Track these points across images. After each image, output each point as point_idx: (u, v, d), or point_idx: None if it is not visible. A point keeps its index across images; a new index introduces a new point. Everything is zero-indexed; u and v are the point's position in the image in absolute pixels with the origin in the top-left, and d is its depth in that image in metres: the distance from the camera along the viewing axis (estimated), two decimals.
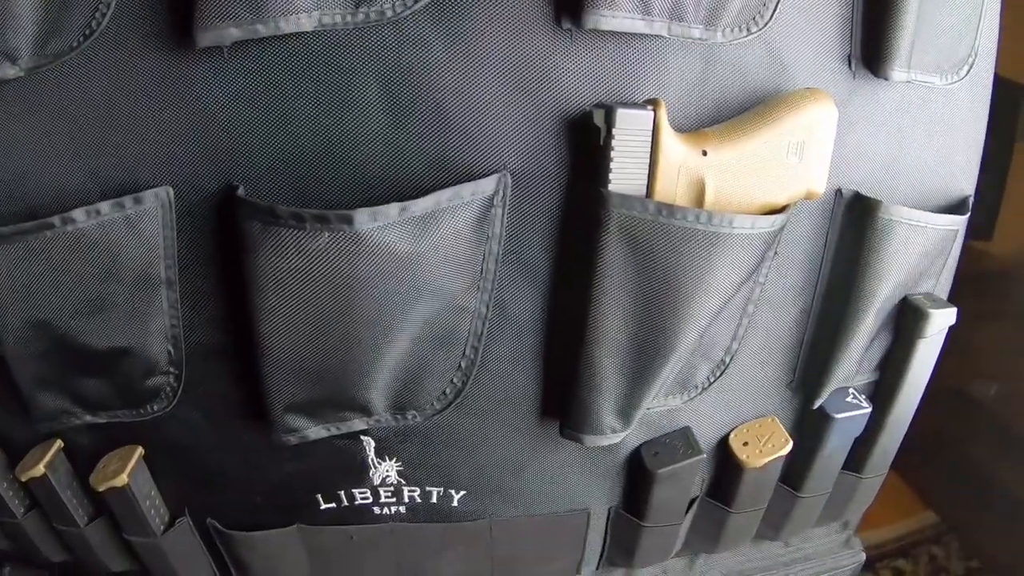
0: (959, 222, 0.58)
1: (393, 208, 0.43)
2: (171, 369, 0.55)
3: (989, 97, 0.58)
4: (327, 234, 0.43)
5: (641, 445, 0.61)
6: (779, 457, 0.62)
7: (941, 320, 0.60)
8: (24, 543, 0.68)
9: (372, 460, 0.59)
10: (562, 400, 0.54)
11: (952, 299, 0.64)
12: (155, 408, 0.57)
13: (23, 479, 0.61)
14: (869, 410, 0.64)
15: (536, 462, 0.60)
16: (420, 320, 0.50)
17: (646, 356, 0.51)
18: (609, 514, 0.64)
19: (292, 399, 0.52)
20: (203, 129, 0.45)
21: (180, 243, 0.49)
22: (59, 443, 0.62)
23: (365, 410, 0.54)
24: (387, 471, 0.59)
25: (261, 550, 0.62)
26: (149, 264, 0.49)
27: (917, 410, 0.66)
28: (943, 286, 0.66)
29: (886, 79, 0.50)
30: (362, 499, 0.60)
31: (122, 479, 0.58)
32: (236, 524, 0.61)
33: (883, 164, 0.54)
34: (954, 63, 0.53)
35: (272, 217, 0.44)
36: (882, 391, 0.65)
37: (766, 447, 0.65)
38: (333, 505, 0.60)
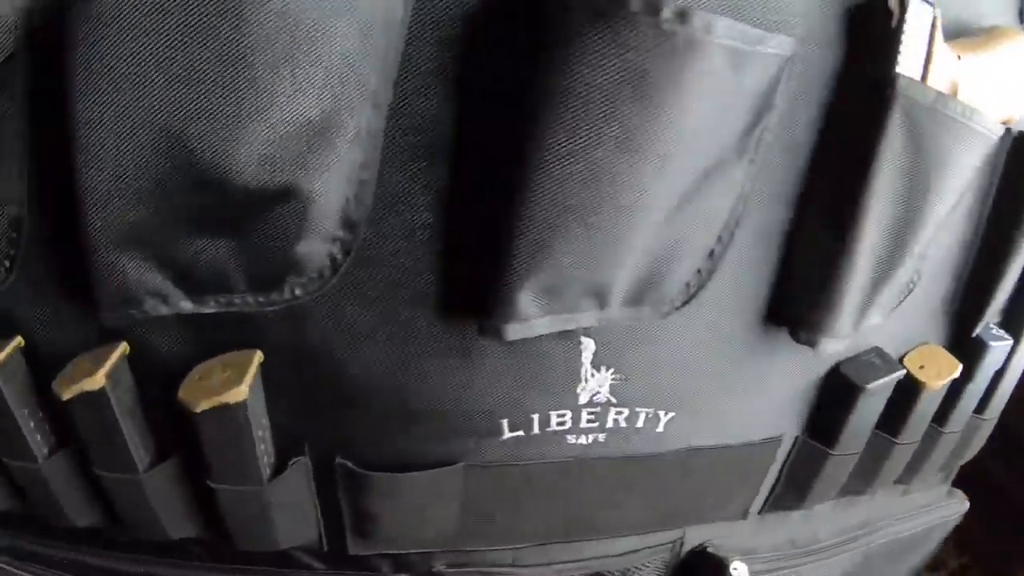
0: None
1: (724, 23, 0.30)
2: (341, 232, 0.34)
3: None
4: (677, 28, 0.29)
5: (840, 362, 0.49)
6: (952, 379, 0.53)
7: None
8: (38, 497, 0.43)
9: (586, 370, 0.40)
10: (803, 298, 0.41)
11: None
12: (295, 293, 0.34)
13: (67, 395, 0.37)
14: (1011, 343, 0.56)
15: (749, 378, 0.44)
16: (700, 178, 0.34)
17: (895, 252, 0.40)
18: (794, 444, 0.53)
19: (540, 270, 0.33)
20: None
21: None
22: (124, 347, 0.40)
23: (602, 297, 0.35)
24: (599, 386, 0.40)
25: (406, 498, 0.41)
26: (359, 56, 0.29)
27: None
28: None
29: None
30: (558, 424, 0.40)
31: (240, 392, 0.37)
32: (374, 463, 0.40)
33: None
34: None
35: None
36: (1011, 329, 0.57)
37: (941, 370, 0.58)
38: (520, 433, 0.40)
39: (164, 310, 0.34)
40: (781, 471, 0.51)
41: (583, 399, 0.41)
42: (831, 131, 0.38)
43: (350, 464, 0.40)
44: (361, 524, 0.42)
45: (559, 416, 0.41)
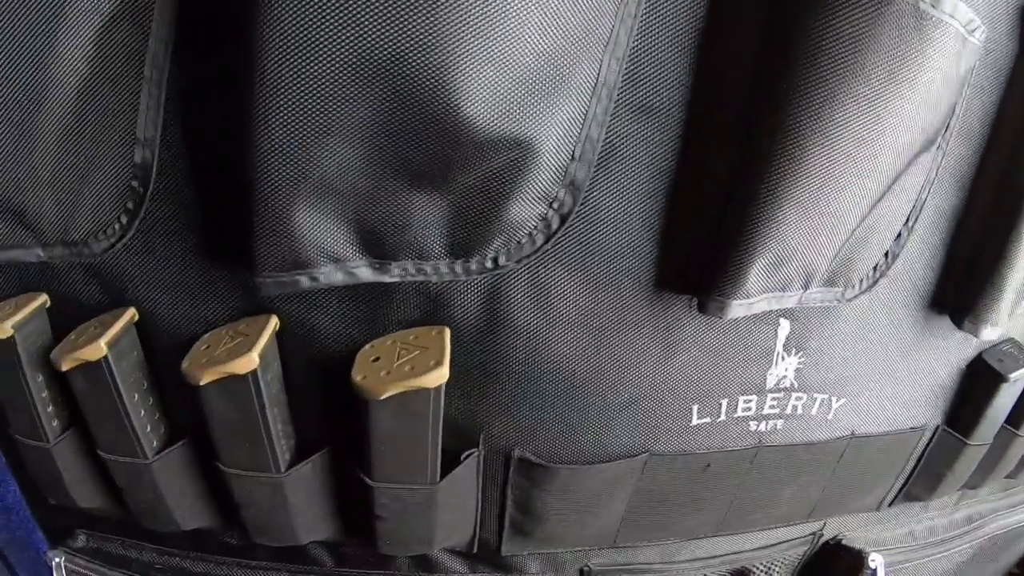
0: None
1: (963, 8, 0.29)
2: (560, 193, 0.30)
3: None
4: (932, 10, 0.28)
5: (983, 352, 0.51)
6: None
7: None
8: (144, 497, 0.37)
9: (779, 353, 0.38)
10: (970, 285, 0.41)
11: None
12: (498, 261, 0.31)
13: (206, 380, 0.31)
14: None
15: (910, 365, 0.43)
16: (912, 160, 0.33)
17: None
18: (934, 434, 0.52)
19: (773, 245, 0.30)
20: None
21: None
22: (275, 321, 0.34)
23: (809, 276, 0.33)
24: (786, 370, 0.38)
25: (582, 492, 0.37)
26: None
27: None
28: None
29: None
30: (744, 410, 0.38)
31: (440, 375, 0.32)
32: (553, 456, 0.36)
33: None
34: None
35: None
36: None
37: None
38: (707, 420, 0.38)
39: (339, 278, 0.29)
40: (918, 462, 0.50)
41: (770, 383, 0.38)
42: (1001, 121, 0.37)
43: (531, 457, 0.36)
44: (525, 522, 0.39)
45: (746, 401, 0.38)
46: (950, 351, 0.45)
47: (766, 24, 0.29)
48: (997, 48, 0.35)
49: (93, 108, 0.28)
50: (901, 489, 0.51)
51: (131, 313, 0.34)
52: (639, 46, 0.29)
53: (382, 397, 0.30)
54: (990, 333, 0.42)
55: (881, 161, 0.30)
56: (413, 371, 0.30)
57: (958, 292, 0.41)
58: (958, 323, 0.42)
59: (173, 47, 0.28)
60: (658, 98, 0.30)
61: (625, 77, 0.29)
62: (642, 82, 0.29)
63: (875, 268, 0.37)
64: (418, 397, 0.30)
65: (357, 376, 0.31)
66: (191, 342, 0.33)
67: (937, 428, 0.49)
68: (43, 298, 0.35)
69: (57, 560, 0.41)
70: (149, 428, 0.36)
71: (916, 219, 0.37)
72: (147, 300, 0.33)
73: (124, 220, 0.31)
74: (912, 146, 0.31)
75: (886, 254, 0.37)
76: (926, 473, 0.51)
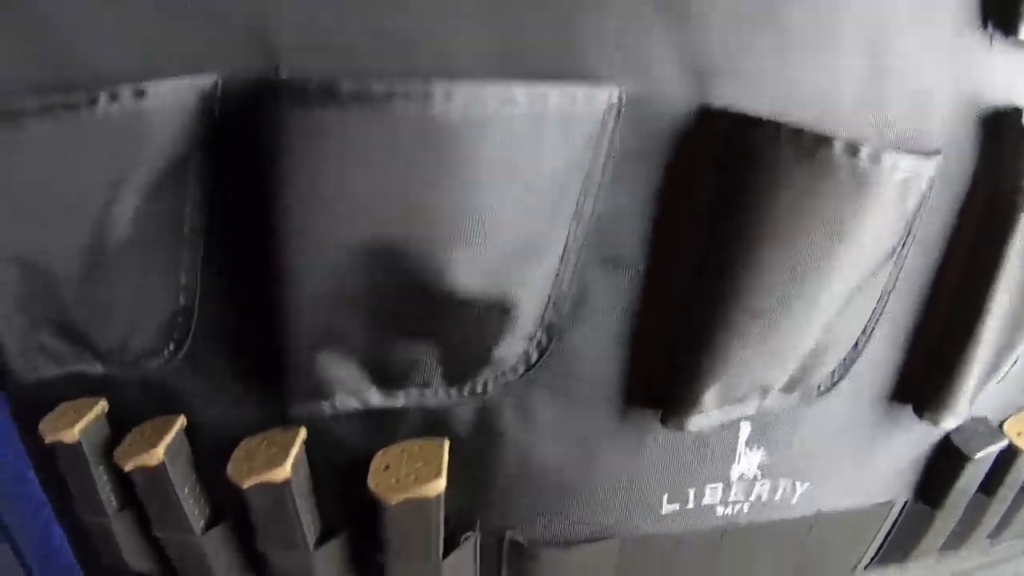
0: None
1: (907, 161, 0.33)
2: (539, 334, 0.37)
3: None
4: (870, 169, 0.32)
5: (950, 432, 0.57)
6: None
7: None
8: (191, 568, 0.46)
9: (741, 450, 0.46)
10: (929, 380, 0.46)
11: None
12: (487, 388, 0.38)
13: (247, 484, 0.40)
14: None
15: (874, 449, 0.49)
16: (860, 286, 0.38)
17: (1012, 340, 0.45)
18: (904, 506, 0.58)
19: (724, 375, 0.37)
20: None
21: None
22: (303, 433, 0.42)
23: (766, 391, 0.40)
24: (748, 465, 0.45)
25: (567, 572, 0.45)
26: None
27: None
28: None
29: None
30: (710, 498, 0.45)
31: (438, 485, 0.39)
32: (541, 539, 0.44)
33: None
34: None
35: None
36: None
37: None
38: (676, 507, 0.45)
39: (354, 404, 0.37)
40: (891, 530, 0.56)
41: (735, 474, 0.45)
42: (960, 230, 0.42)
43: (521, 540, 0.43)
44: None
45: (712, 489, 0.45)
46: (919, 434, 0.51)
47: (716, 188, 0.35)
48: (955, 161, 0.39)
49: (140, 261, 0.34)
50: (876, 554, 0.57)
51: (181, 421, 0.42)
52: (606, 208, 0.36)
53: (392, 503, 0.38)
54: (951, 423, 0.47)
55: (828, 299, 0.36)
56: (417, 481, 0.38)
57: (919, 386, 0.47)
58: (919, 414, 0.47)
59: (207, 217, 0.34)
60: (622, 252, 0.37)
61: (594, 236, 0.36)
62: (608, 239, 0.36)
63: (833, 373, 0.43)
64: (421, 502, 0.38)
65: (371, 483, 0.39)
66: (232, 444, 0.41)
67: (906, 502, 0.55)
68: (102, 403, 0.43)
69: None
70: (197, 511, 0.44)
71: (875, 326, 0.43)
72: (194, 409, 0.41)
73: (172, 347, 0.39)
74: (857, 280, 0.37)
75: (844, 360, 0.43)
76: (899, 540, 0.57)
